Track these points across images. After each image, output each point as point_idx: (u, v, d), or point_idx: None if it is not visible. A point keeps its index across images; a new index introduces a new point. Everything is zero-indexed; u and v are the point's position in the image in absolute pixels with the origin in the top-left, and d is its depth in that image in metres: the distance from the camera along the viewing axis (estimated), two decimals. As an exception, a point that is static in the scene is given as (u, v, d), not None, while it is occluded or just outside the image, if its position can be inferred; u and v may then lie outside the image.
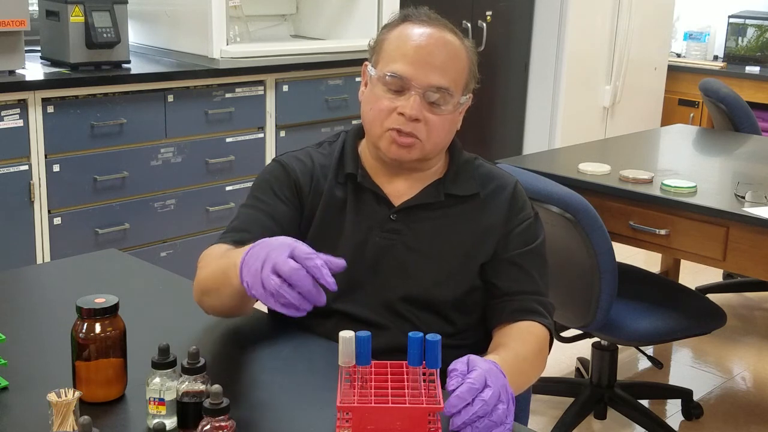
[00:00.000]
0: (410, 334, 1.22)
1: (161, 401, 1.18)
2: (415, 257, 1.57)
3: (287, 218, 1.59)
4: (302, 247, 1.22)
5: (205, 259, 1.51)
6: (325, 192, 1.60)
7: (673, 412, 3.05)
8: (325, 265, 1.21)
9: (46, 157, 3.00)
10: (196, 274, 1.51)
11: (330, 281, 1.20)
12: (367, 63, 1.60)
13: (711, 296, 3.23)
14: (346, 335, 1.22)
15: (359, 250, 1.57)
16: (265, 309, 1.69)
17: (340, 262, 1.24)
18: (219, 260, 1.44)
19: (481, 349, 1.52)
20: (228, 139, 3.50)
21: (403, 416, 1.18)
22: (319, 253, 1.22)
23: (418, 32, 1.54)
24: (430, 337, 1.21)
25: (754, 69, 5.57)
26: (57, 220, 3.06)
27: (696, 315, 2.65)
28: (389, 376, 1.26)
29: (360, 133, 1.65)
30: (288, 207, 1.59)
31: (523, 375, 1.46)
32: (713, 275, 4.13)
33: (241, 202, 1.65)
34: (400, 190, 1.60)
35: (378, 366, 1.28)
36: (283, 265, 1.19)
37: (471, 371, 1.22)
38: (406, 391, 1.23)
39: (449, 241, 1.58)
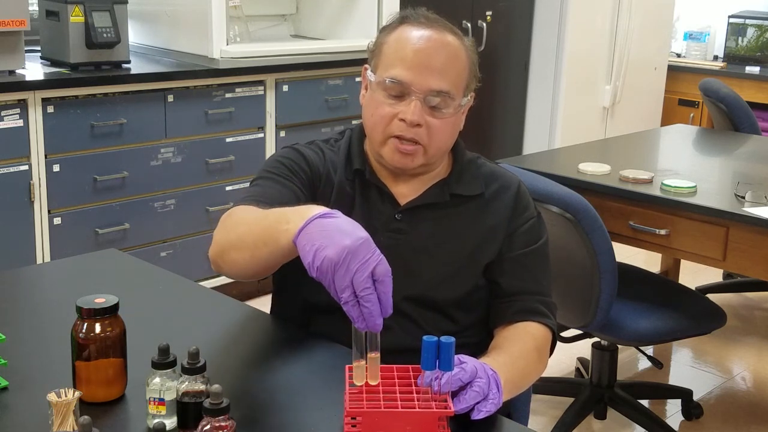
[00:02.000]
0: (424, 337, 1.19)
1: (161, 401, 1.18)
2: (419, 257, 1.56)
3: (303, 201, 1.53)
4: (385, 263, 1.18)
5: (233, 217, 1.42)
6: (336, 186, 1.59)
7: (673, 412, 3.05)
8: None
9: (46, 157, 3.00)
10: (220, 229, 1.42)
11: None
12: (366, 67, 1.59)
13: (711, 296, 3.22)
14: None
15: None
16: (265, 309, 1.69)
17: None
18: (263, 216, 1.34)
19: (485, 348, 1.52)
20: (228, 139, 3.50)
21: (413, 421, 1.16)
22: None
23: (416, 35, 1.52)
24: (443, 339, 1.19)
25: (754, 69, 5.57)
26: (57, 220, 3.06)
27: (696, 315, 2.65)
28: (396, 380, 1.25)
29: (365, 131, 1.65)
30: (304, 191, 1.56)
31: (520, 374, 1.45)
32: (713, 275, 4.12)
33: (254, 177, 1.58)
34: (404, 191, 1.60)
35: (384, 370, 1.26)
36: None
37: None
38: (415, 395, 1.21)
39: (454, 240, 1.58)
